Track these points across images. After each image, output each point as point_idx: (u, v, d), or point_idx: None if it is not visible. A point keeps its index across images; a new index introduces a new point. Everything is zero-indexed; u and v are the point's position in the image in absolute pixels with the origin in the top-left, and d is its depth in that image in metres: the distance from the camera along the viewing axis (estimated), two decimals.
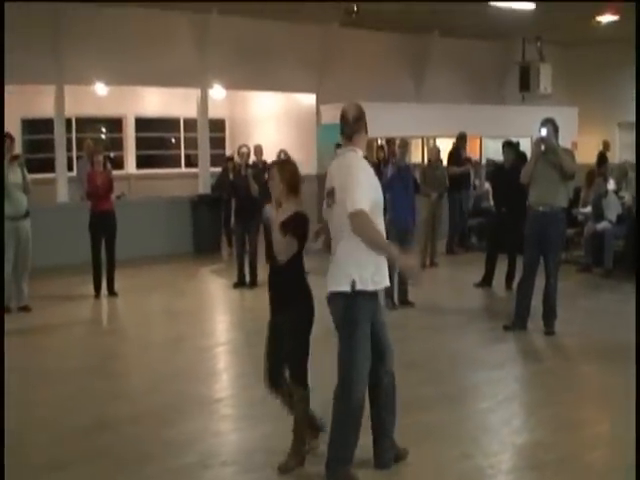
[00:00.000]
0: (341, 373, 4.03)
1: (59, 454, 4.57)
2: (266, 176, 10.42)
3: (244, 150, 10.05)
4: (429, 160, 11.85)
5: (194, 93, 14.37)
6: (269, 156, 12.36)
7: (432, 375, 5.99)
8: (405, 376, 5.90)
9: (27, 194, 8.65)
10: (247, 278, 9.89)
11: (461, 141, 12.84)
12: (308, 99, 15.46)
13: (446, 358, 6.52)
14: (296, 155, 12.44)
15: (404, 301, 8.55)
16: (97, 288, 9.46)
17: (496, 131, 15.35)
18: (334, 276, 4.06)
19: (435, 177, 11.43)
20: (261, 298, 9.13)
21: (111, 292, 9.54)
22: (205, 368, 6.40)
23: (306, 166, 13.00)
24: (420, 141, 15.45)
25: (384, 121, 13.90)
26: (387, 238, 3.97)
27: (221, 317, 8.72)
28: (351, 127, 4.12)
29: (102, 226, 9.34)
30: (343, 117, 4.14)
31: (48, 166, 14.04)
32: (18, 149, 15.73)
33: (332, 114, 14.30)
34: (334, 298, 4.06)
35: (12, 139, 8.70)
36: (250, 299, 9.49)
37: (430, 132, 15.10)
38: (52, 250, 11.10)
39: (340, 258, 4.04)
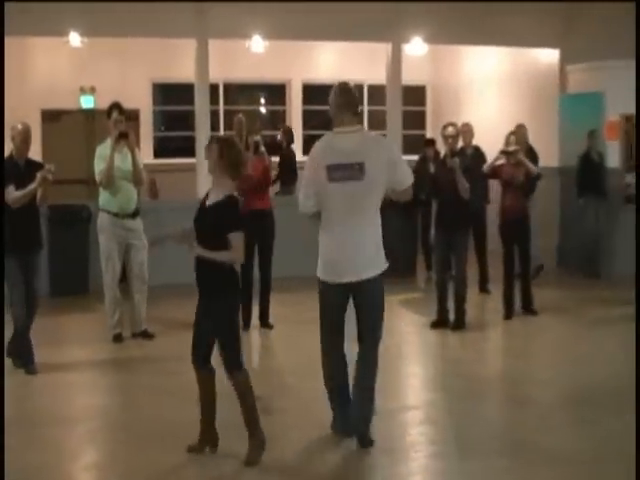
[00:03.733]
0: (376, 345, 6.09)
1: None
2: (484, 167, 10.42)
3: (450, 131, 10.01)
4: None
5: (383, 50, 14.53)
6: (487, 138, 12.30)
7: None
8: None
9: (138, 186, 9.12)
10: (451, 315, 9.90)
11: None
12: (547, 57, 15.15)
13: None
14: (530, 137, 12.21)
15: None
16: (246, 316, 9.72)
17: None
18: (375, 258, 5.89)
19: None
20: (470, 345, 9.40)
21: (264, 323, 9.87)
22: (389, 440, 6.39)
23: (544, 153, 12.70)
24: None
25: None
26: None
27: (412, 370, 8.76)
28: (357, 105, 5.99)
29: (255, 231, 9.63)
30: (352, 94, 5.94)
31: (186, 148, 14.80)
32: (147, 124, 16.93)
33: (583, 79, 13.91)
34: (376, 281, 5.92)
35: (122, 110, 9.13)
36: (454, 346, 9.52)
37: None
38: (185, 263, 11.65)
39: (375, 238, 5.87)
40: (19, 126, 8.01)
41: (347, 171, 5.77)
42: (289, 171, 14.97)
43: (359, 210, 5.83)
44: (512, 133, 11.11)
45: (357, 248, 5.83)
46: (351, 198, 5.78)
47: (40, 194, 7.91)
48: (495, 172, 10.57)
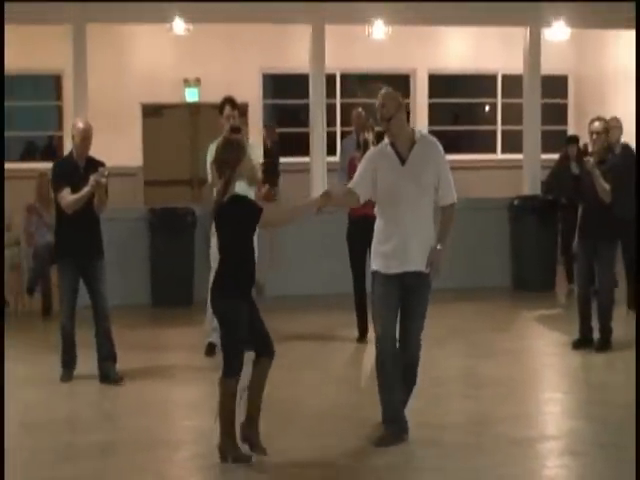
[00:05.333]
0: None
1: None
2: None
3: (596, 126, 9.90)
4: None
5: (520, 35, 14.43)
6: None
7: None
8: None
9: (252, 185, 9.29)
10: (595, 334, 9.83)
11: None
12: None
13: None
14: None
15: None
16: (363, 328, 10.04)
17: None
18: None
19: None
20: (618, 368, 9.25)
21: None
22: (526, 473, 6.31)
23: None
24: None
25: None
26: None
27: (551, 395, 8.62)
28: None
29: (367, 238, 9.75)
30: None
31: (299, 146, 15.01)
32: (256, 119, 17.08)
33: None
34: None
35: (235, 105, 9.35)
36: (599, 368, 9.43)
37: None
38: (299, 270, 12.01)
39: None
40: (80, 124, 8.37)
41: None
42: None
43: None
44: None
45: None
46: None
47: (96, 200, 8.18)
48: None
